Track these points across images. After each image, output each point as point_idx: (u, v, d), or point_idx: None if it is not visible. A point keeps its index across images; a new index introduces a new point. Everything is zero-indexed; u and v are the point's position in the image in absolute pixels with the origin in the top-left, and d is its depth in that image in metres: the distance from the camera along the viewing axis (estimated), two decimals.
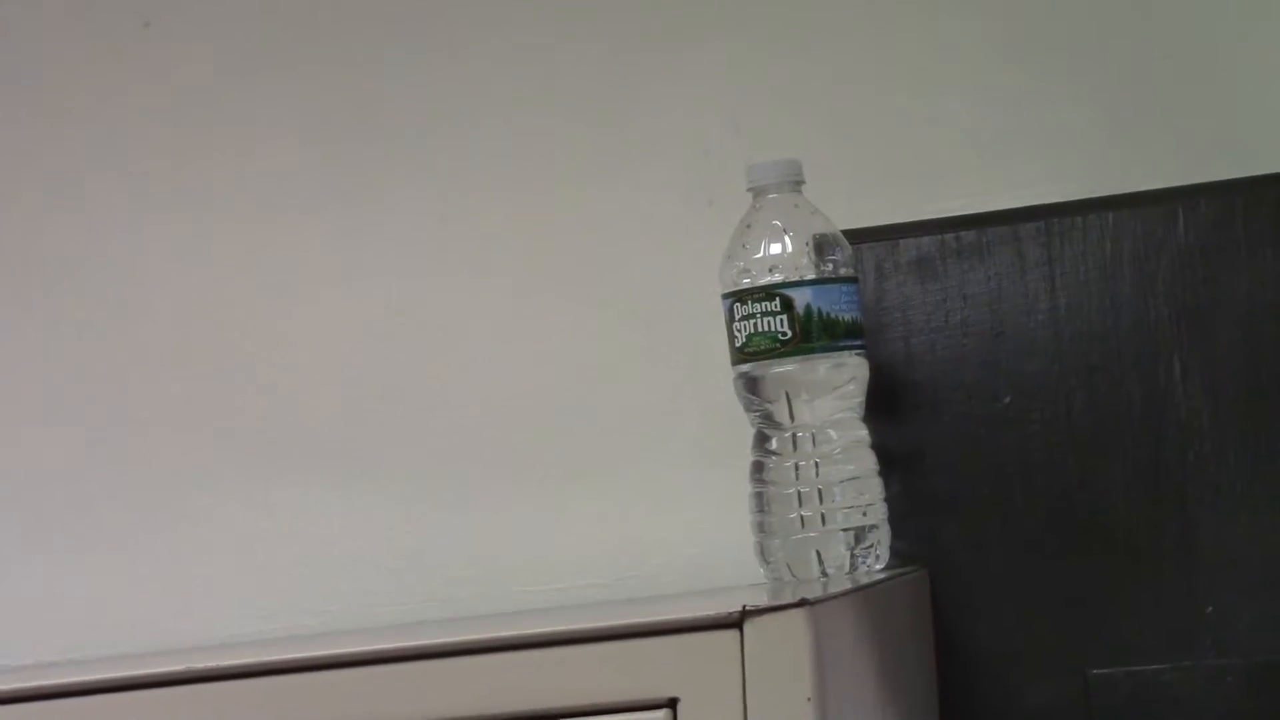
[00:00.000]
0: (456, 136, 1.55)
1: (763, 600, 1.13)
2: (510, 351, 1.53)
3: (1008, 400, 1.40)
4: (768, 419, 1.34)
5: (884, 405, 1.40)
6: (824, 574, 1.32)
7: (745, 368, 1.33)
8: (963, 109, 1.46)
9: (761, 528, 1.34)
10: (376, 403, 1.56)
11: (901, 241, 1.43)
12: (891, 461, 1.39)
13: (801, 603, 1.11)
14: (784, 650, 1.10)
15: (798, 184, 1.35)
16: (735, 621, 1.11)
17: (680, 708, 1.11)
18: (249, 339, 1.58)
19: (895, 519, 1.36)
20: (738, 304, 1.33)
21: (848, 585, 1.26)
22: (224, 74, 1.59)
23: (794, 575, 1.32)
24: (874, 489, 1.34)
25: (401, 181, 1.56)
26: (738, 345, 1.33)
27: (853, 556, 1.32)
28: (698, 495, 1.46)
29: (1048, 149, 1.44)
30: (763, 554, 1.34)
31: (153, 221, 1.60)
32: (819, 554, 1.32)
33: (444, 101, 1.55)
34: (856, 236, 1.39)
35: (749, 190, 1.35)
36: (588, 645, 1.14)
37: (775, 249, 1.33)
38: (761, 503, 1.34)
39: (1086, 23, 1.45)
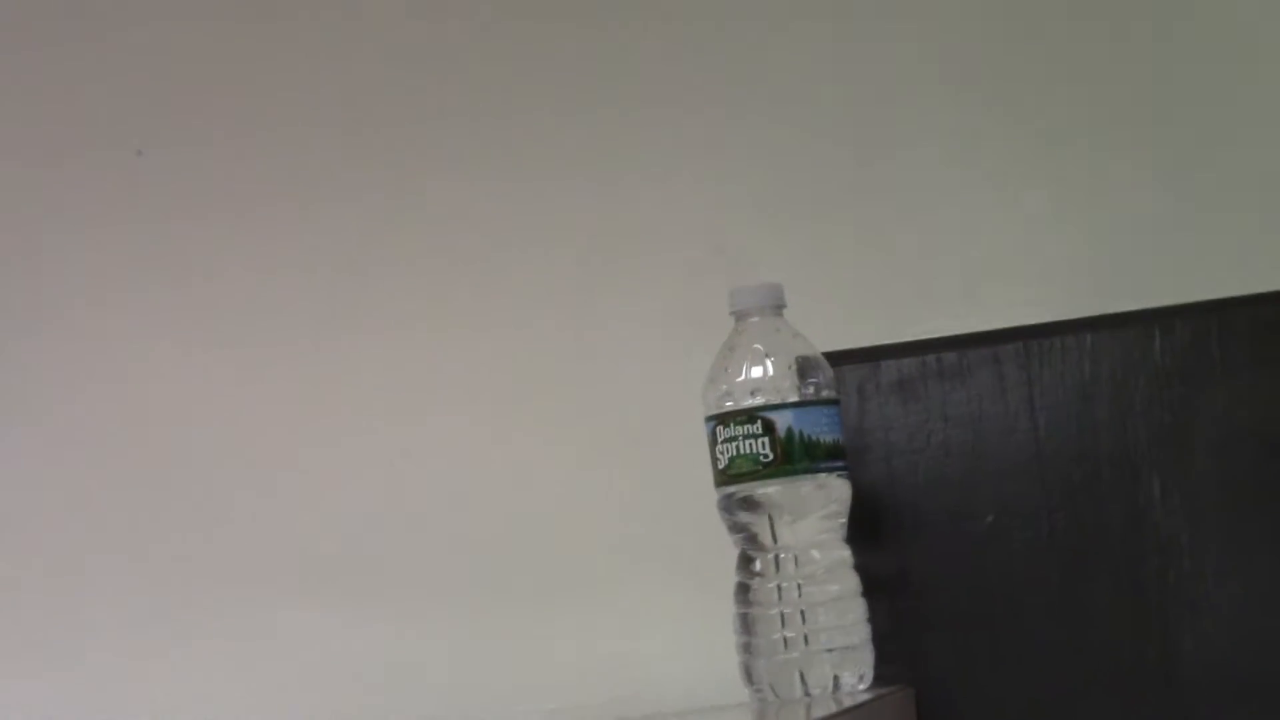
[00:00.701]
0: (438, 269, 1.57)
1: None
2: (498, 477, 1.55)
3: (990, 520, 1.42)
4: (751, 540, 1.35)
5: (867, 526, 1.42)
6: (807, 694, 1.33)
7: (729, 490, 1.35)
8: (944, 230, 1.49)
9: (746, 649, 1.35)
10: (371, 529, 1.57)
11: (883, 363, 1.45)
12: (876, 581, 1.41)
13: None
14: None
15: (779, 308, 1.37)
16: None
17: None
18: (252, 465, 1.60)
19: (881, 638, 1.38)
20: (720, 426, 1.34)
21: (833, 707, 1.27)
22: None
23: (777, 695, 1.33)
24: (857, 609, 1.35)
25: (392, 320, 1.58)
26: (720, 467, 1.35)
27: (836, 677, 1.33)
28: (685, 617, 1.48)
29: (1028, 269, 1.47)
30: (748, 674, 1.35)
31: (154, 341, 1.62)
32: (802, 674, 1.33)
33: (427, 229, 1.58)
34: (838, 358, 1.42)
35: (731, 314, 1.37)
36: None
37: (757, 372, 1.34)
38: (746, 624, 1.35)
39: (1065, 146, 1.48)
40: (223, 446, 1.60)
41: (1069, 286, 1.46)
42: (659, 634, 1.49)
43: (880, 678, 1.37)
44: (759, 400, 1.34)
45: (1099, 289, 1.45)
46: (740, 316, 1.37)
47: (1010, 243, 1.48)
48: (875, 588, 1.41)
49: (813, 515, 1.35)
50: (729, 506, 1.35)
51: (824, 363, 1.36)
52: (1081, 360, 1.42)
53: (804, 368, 1.35)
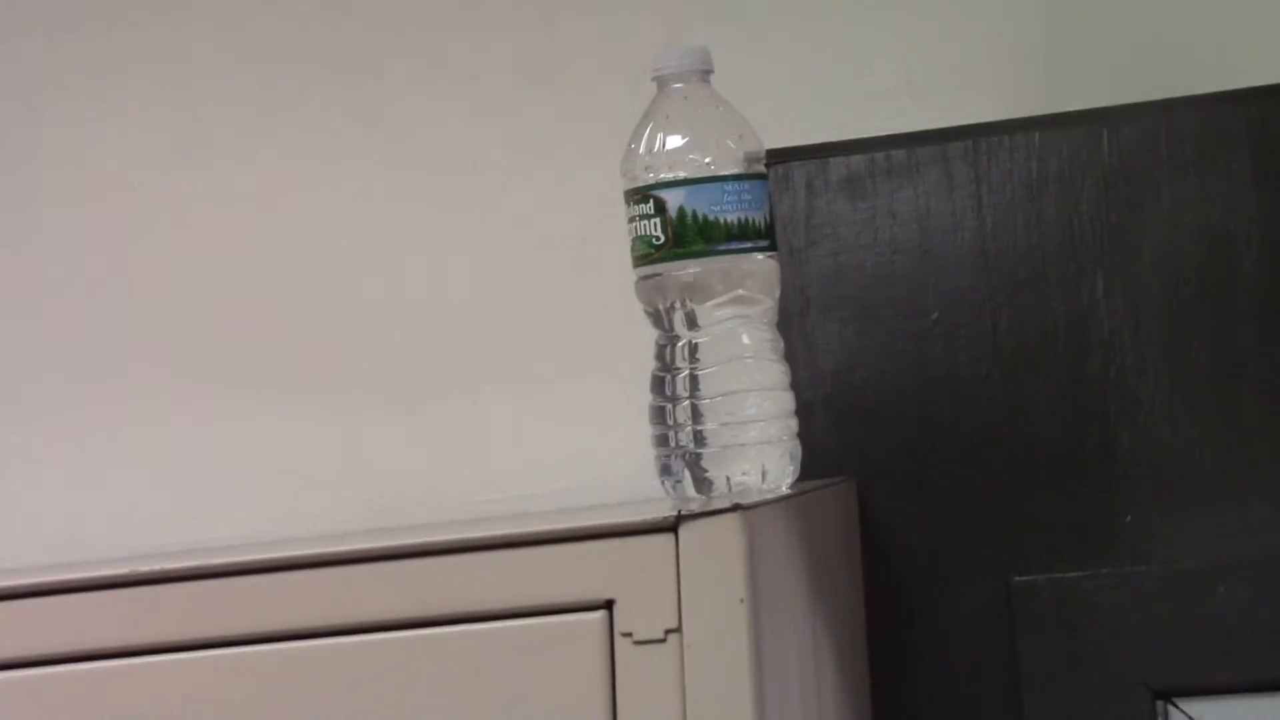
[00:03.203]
0: (378, 71, 1.57)
1: (697, 505, 1.16)
2: (452, 266, 1.56)
3: (935, 316, 1.44)
4: (662, 329, 1.27)
5: (813, 320, 1.43)
6: (729, 488, 1.25)
7: (635, 274, 1.26)
8: (893, 29, 1.49)
9: (659, 441, 1.27)
10: (321, 319, 1.58)
11: (831, 160, 1.46)
12: (819, 376, 1.42)
13: (735, 508, 1.14)
14: (718, 553, 1.13)
15: (705, 73, 1.27)
16: (670, 526, 1.14)
17: (616, 609, 1.14)
18: (196, 255, 1.60)
19: (824, 430, 1.40)
20: (626, 206, 1.26)
21: (767, 496, 1.23)
22: None
23: (696, 492, 1.25)
24: (779, 401, 1.27)
25: (334, 102, 1.59)
26: (631, 251, 1.26)
27: (764, 471, 1.25)
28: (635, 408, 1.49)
29: (978, 68, 1.47)
30: (663, 469, 1.27)
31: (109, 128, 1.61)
32: (710, 469, 1.25)
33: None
34: (786, 154, 1.42)
35: (652, 80, 1.27)
36: (528, 549, 1.16)
37: (656, 145, 1.25)
38: (657, 416, 1.27)
39: None
40: (178, 238, 1.60)
41: (1018, 86, 1.47)
42: (614, 426, 1.49)
43: (822, 471, 1.38)
44: (651, 177, 1.24)
45: (1048, 89, 1.46)
46: (660, 83, 1.26)
47: (959, 42, 1.48)
48: (818, 382, 1.43)
49: (715, 301, 1.25)
50: (637, 292, 1.27)
51: (744, 134, 1.26)
52: (1029, 159, 1.43)
53: (707, 139, 1.24)
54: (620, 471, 1.46)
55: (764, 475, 1.26)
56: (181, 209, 1.60)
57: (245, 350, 1.59)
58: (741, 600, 1.13)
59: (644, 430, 1.29)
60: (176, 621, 1.21)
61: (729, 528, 1.14)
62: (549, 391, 1.53)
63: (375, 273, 1.57)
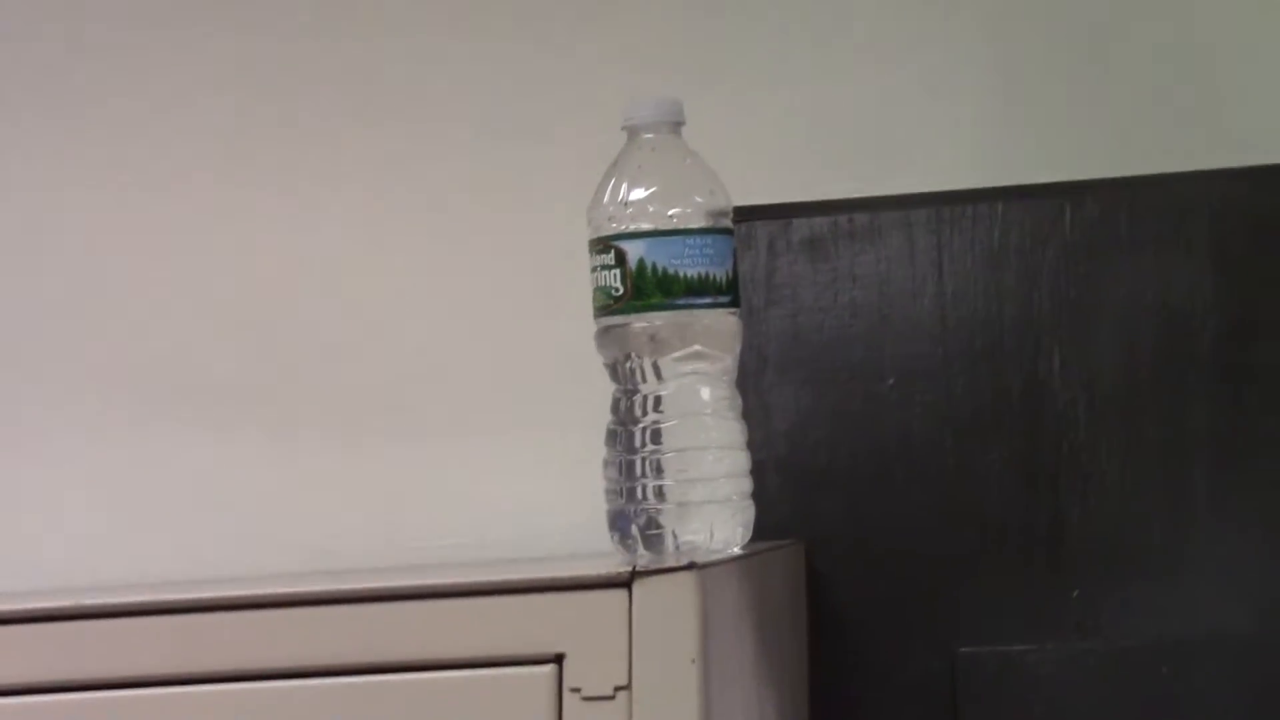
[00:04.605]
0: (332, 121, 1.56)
1: (646, 561, 1.15)
2: (407, 310, 1.55)
3: (891, 381, 1.44)
4: (619, 381, 1.25)
5: (770, 380, 1.43)
6: (677, 547, 1.21)
7: (596, 324, 1.25)
8: (862, 94, 1.49)
9: (612, 495, 1.25)
10: (271, 358, 1.57)
11: (795, 220, 1.46)
12: (775, 435, 1.42)
13: (690, 566, 1.14)
14: (671, 611, 1.13)
15: (676, 124, 1.25)
16: (625, 581, 1.14)
17: (566, 663, 1.14)
18: (153, 285, 1.59)
19: (776, 491, 1.39)
20: (590, 256, 1.24)
21: (714, 558, 1.21)
22: None
23: (645, 548, 1.22)
24: (734, 460, 1.25)
25: (292, 138, 1.58)
26: (593, 301, 1.25)
27: (712, 531, 1.23)
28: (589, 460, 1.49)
29: (944, 136, 1.48)
30: (612, 523, 1.24)
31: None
32: (665, 525, 1.22)
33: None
34: (750, 213, 1.41)
35: (623, 129, 1.26)
36: (479, 598, 1.16)
37: (622, 195, 1.23)
38: (612, 470, 1.25)
39: (988, 17, 1.48)
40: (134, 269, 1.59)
41: (983, 156, 1.47)
42: (564, 476, 1.48)
43: (772, 533, 1.38)
44: (614, 228, 1.23)
45: (1013, 160, 1.47)
46: (631, 132, 1.25)
47: (928, 108, 1.48)
48: (772, 442, 1.42)
49: (674, 355, 1.23)
50: (597, 343, 1.25)
51: (713, 188, 1.24)
52: (992, 228, 1.43)
53: (674, 192, 1.22)
54: (568, 523, 1.45)
55: (712, 535, 1.23)
56: (132, 240, 1.59)
57: (197, 387, 1.57)
58: (693, 660, 1.12)
59: (594, 482, 1.27)
60: (115, 657, 1.19)
61: (684, 586, 1.13)
62: (500, 439, 1.52)
63: (327, 314, 1.56)
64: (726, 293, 1.24)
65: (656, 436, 1.23)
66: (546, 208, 1.51)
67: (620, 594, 1.13)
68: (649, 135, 1.25)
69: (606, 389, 1.27)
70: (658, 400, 1.24)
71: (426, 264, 1.55)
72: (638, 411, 1.24)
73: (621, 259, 1.22)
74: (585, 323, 1.26)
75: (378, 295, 1.56)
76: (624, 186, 1.24)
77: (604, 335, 1.25)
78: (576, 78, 1.53)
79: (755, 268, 1.44)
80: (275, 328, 1.57)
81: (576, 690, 1.13)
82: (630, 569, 1.13)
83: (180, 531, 1.56)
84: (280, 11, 1.57)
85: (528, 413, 1.52)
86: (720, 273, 1.23)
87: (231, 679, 1.18)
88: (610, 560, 1.19)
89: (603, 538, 1.27)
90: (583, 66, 1.53)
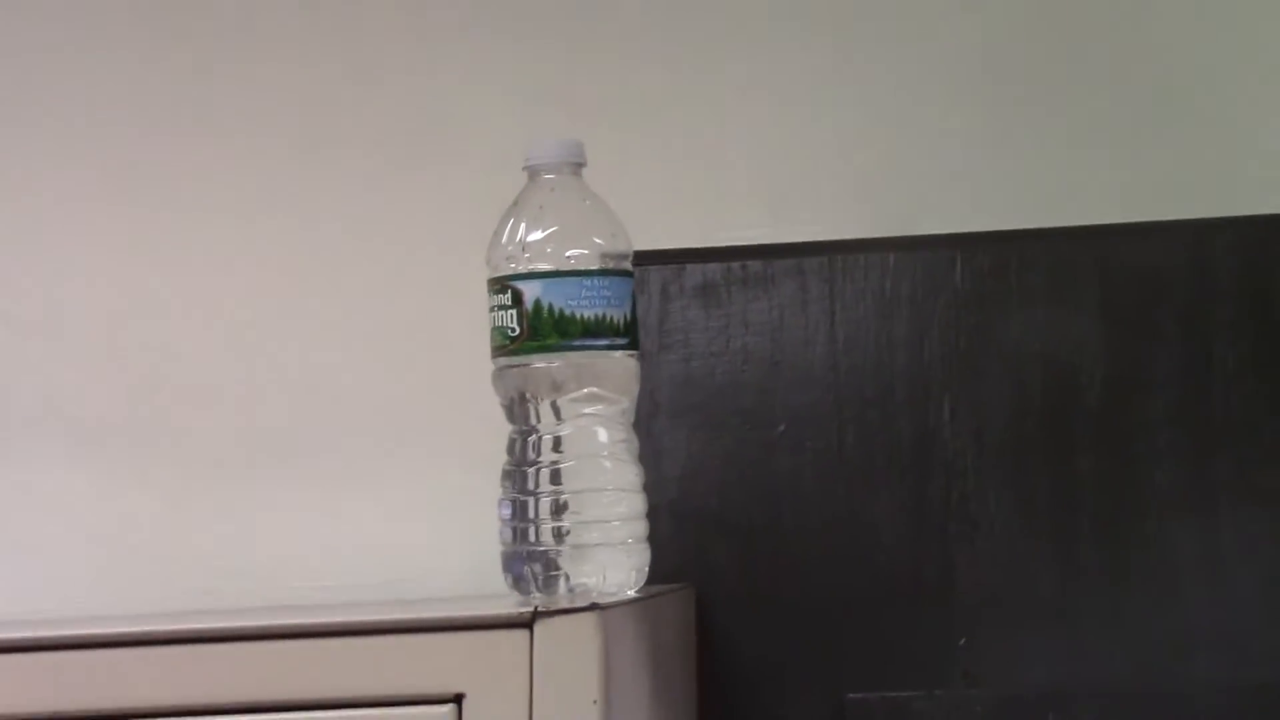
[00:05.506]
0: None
1: (541, 602, 1.15)
2: (296, 346, 1.54)
3: (782, 428, 1.44)
4: (516, 422, 1.25)
5: (661, 424, 1.43)
6: (569, 589, 1.22)
7: (493, 364, 1.25)
8: (756, 142, 1.50)
9: (506, 537, 1.24)
10: (154, 393, 1.55)
11: (688, 266, 1.46)
12: (666, 480, 1.42)
13: (593, 607, 1.13)
14: (573, 652, 1.12)
15: (577, 166, 1.26)
16: (526, 621, 1.13)
17: (466, 704, 1.13)
18: (28, 313, 1.56)
19: (666, 535, 1.38)
20: (489, 296, 1.24)
21: (605, 600, 1.20)
22: None
23: (538, 589, 1.22)
24: (630, 503, 1.25)
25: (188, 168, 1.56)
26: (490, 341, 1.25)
27: (605, 574, 1.22)
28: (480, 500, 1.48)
29: (836, 186, 1.49)
30: (505, 565, 1.24)
31: None
32: (560, 567, 1.22)
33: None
34: (642, 258, 1.40)
35: (524, 169, 1.26)
36: (376, 637, 1.15)
37: (520, 236, 1.23)
38: (506, 510, 1.24)
39: (884, 65, 1.50)
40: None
41: (874, 206, 1.49)
42: (451, 517, 1.48)
43: (662, 577, 1.37)
44: (512, 268, 1.23)
45: (904, 211, 1.48)
46: (531, 173, 1.25)
47: (820, 158, 1.50)
48: (663, 487, 1.42)
49: (570, 396, 1.23)
50: (494, 384, 1.25)
51: (614, 230, 1.25)
52: (884, 278, 1.44)
53: (572, 233, 1.23)
54: (459, 565, 1.45)
55: (605, 578, 1.23)
56: (6, 266, 1.56)
57: (74, 422, 1.55)
58: (594, 701, 1.12)
59: (486, 522, 1.27)
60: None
61: (586, 627, 1.13)
62: (389, 479, 1.51)
63: (212, 348, 1.55)
64: (624, 334, 1.24)
65: (554, 477, 1.23)
66: (434, 244, 1.51)
67: (522, 634, 1.13)
68: (550, 176, 1.26)
69: (495, 429, 1.26)
70: (555, 441, 1.24)
71: (312, 303, 1.54)
72: (533, 453, 1.24)
73: (519, 299, 1.22)
74: (475, 362, 1.26)
75: (261, 333, 1.55)
76: (521, 227, 1.24)
77: (500, 375, 1.25)
78: (473, 114, 1.53)
79: (648, 312, 1.44)
80: (156, 364, 1.55)
81: None
82: (532, 609, 1.13)
83: (60, 570, 1.54)
84: (172, 45, 1.56)
85: (412, 453, 1.52)
86: (618, 314, 1.24)
87: (113, 718, 1.16)
88: (510, 600, 1.18)
89: (493, 579, 1.26)
90: (481, 104, 1.53)
